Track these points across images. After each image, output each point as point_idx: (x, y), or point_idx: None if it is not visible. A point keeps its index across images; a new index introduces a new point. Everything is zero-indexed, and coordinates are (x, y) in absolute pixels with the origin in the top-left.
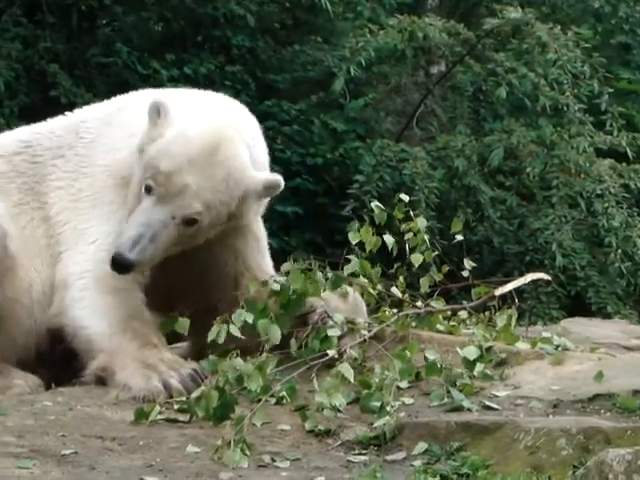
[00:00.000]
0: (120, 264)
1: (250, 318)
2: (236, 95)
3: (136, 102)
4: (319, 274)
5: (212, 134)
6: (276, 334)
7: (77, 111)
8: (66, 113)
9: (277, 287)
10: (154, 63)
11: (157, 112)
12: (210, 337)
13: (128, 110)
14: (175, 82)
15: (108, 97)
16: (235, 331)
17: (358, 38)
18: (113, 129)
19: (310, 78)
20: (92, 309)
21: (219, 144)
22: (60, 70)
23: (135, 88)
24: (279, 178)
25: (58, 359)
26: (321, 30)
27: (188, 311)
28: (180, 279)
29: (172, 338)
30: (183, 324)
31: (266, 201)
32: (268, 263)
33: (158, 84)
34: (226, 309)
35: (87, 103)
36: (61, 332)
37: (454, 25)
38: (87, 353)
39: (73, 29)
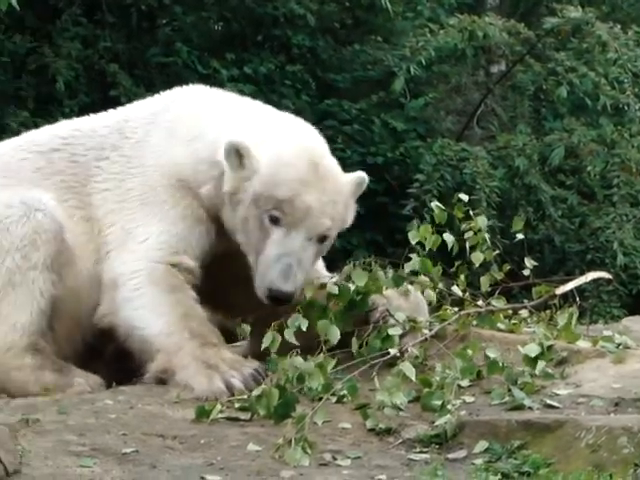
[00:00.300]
0: (279, 298)
1: (305, 324)
2: (296, 94)
3: (178, 102)
4: (380, 273)
5: (307, 153)
6: (335, 334)
7: (118, 109)
8: (108, 110)
9: (335, 290)
10: (214, 62)
11: (236, 153)
12: (264, 344)
13: (171, 111)
14: (235, 82)
15: None
16: (290, 336)
17: (418, 37)
18: (160, 130)
19: (370, 77)
20: (147, 309)
21: (317, 160)
22: (120, 70)
23: None
24: (364, 174)
25: (109, 358)
26: (381, 29)
27: (247, 315)
28: (229, 286)
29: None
30: (245, 331)
31: None
32: (321, 265)
33: (218, 83)
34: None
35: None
36: (112, 332)
37: (514, 24)
38: (143, 353)
39: (133, 29)
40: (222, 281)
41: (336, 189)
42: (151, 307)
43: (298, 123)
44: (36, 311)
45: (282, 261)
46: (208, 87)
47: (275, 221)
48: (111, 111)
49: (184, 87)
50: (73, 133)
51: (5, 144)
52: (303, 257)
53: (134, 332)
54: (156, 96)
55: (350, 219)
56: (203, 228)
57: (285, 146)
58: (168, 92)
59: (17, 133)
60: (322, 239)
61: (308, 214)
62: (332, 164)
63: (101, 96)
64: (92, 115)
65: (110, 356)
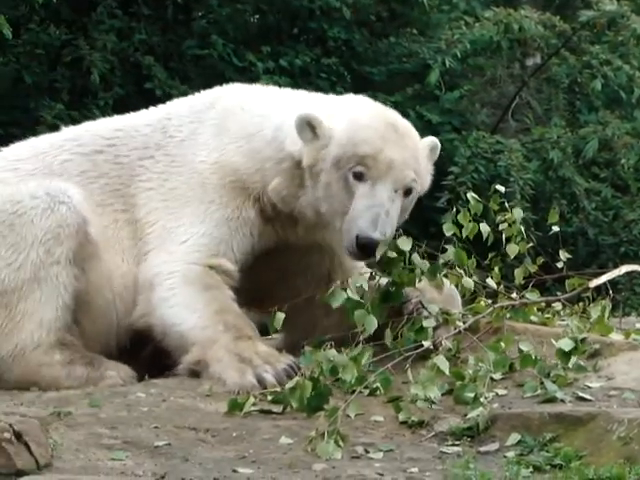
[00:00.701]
0: (367, 245)
1: (365, 284)
2: (332, 87)
3: (223, 99)
4: (417, 258)
5: (382, 115)
6: (372, 324)
7: (160, 107)
8: (150, 108)
9: (383, 281)
10: (250, 55)
11: (308, 126)
12: (328, 300)
13: (217, 108)
14: (271, 74)
15: (204, 89)
16: (354, 295)
17: (454, 30)
18: (207, 128)
19: (405, 70)
20: (182, 306)
21: (393, 121)
22: (155, 62)
23: (231, 80)
24: (436, 140)
25: (145, 358)
26: (417, 22)
27: (282, 306)
28: (272, 282)
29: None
30: (279, 319)
31: None
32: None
33: (254, 76)
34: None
35: (183, 95)
36: (149, 332)
37: (550, 17)
38: (179, 349)
39: (168, 21)
40: (264, 278)
41: (416, 146)
42: (186, 304)
43: (355, 97)
44: (61, 306)
45: (371, 211)
46: (246, 84)
47: (360, 177)
48: (152, 109)
49: (224, 85)
50: (116, 133)
51: (44, 140)
52: (390, 209)
53: (170, 329)
54: (197, 94)
55: (428, 183)
56: (249, 229)
57: (359, 112)
58: (209, 90)
59: (51, 125)
60: (407, 192)
61: (392, 167)
62: (408, 125)
63: (136, 89)
64: (132, 113)
65: (145, 357)
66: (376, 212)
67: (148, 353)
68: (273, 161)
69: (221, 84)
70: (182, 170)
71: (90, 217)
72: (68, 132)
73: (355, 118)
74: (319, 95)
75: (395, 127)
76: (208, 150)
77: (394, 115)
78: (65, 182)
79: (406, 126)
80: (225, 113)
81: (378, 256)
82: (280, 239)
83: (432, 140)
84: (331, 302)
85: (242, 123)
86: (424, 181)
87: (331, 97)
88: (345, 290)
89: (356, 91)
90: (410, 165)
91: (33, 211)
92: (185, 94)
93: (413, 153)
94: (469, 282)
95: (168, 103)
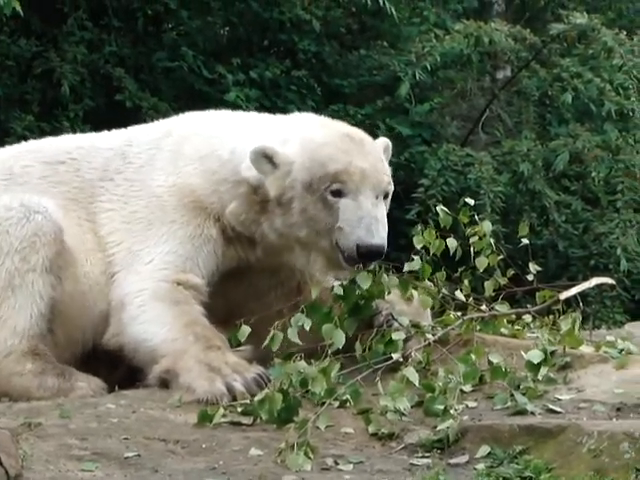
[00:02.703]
0: (371, 251)
1: (308, 323)
2: (302, 99)
3: (179, 126)
4: (385, 277)
5: (333, 129)
6: (340, 338)
7: (121, 132)
8: (112, 130)
9: (341, 291)
10: (220, 67)
11: (264, 157)
12: (266, 342)
13: (173, 136)
14: (241, 86)
15: (174, 101)
16: (293, 336)
17: (424, 43)
18: (164, 154)
19: (376, 82)
20: (152, 321)
21: (346, 131)
22: (125, 74)
23: (201, 92)
24: (386, 139)
25: (118, 379)
26: (387, 35)
27: (251, 318)
28: (243, 300)
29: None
30: (243, 332)
31: None
32: None
33: (224, 88)
34: (289, 314)
35: (152, 107)
36: (121, 352)
37: (520, 30)
38: (151, 363)
39: (139, 33)
40: (235, 297)
41: (375, 150)
42: (156, 319)
43: (301, 115)
44: (36, 314)
45: (363, 221)
46: (201, 112)
47: (339, 194)
48: (113, 132)
49: (180, 114)
50: (78, 150)
51: (7, 151)
52: (378, 214)
53: (141, 345)
54: (155, 122)
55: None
56: (212, 247)
57: (310, 131)
58: (167, 119)
59: (22, 137)
60: (386, 195)
61: (365, 175)
62: (360, 132)
63: (106, 100)
64: (94, 133)
65: (118, 377)
66: (368, 221)
67: (121, 374)
68: (229, 184)
69: (191, 96)
70: (142, 194)
71: (65, 227)
72: (31, 143)
73: (309, 138)
74: (269, 117)
75: (350, 137)
76: (166, 174)
77: (343, 125)
78: (24, 186)
79: (358, 133)
80: (180, 139)
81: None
82: (242, 260)
83: (383, 141)
84: (270, 345)
85: (196, 146)
86: (390, 182)
87: (279, 118)
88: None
89: (327, 104)
90: (380, 169)
91: (8, 222)
92: (155, 106)
93: (377, 157)
94: (427, 300)
95: (129, 128)
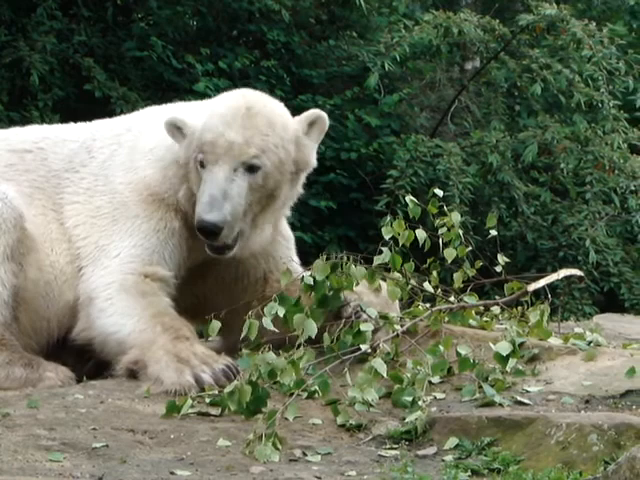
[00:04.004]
0: (206, 228)
1: (282, 311)
2: (271, 90)
3: (139, 122)
4: (353, 268)
5: (241, 100)
6: (312, 328)
7: (86, 125)
8: (74, 124)
9: (311, 282)
10: (189, 57)
11: (175, 128)
12: (243, 332)
13: (132, 131)
14: (210, 77)
15: (143, 91)
16: (268, 324)
17: (393, 33)
18: (124, 150)
19: (345, 73)
20: (120, 313)
21: (252, 104)
22: (95, 64)
23: (170, 82)
24: (319, 112)
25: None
26: (356, 25)
27: (221, 312)
28: (208, 288)
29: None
30: (214, 326)
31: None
32: (296, 260)
33: (193, 78)
34: (257, 304)
35: (122, 97)
36: (90, 346)
37: (489, 21)
38: (119, 355)
39: (108, 23)
40: (202, 290)
41: (270, 124)
42: (124, 311)
43: (241, 90)
44: None
45: (206, 194)
46: (161, 105)
47: (202, 164)
48: (79, 125)
49: (141, 110)
50: (44, 140)
51: None
52: (229, 188)
53: (108, 338)
54: (119, 117)
55: (308, 157)
56: (177, 240)
57: (220, 102)
58: (129, 114)
59: None
60: (251, 169)
61: (230, 148)
62: (275, 105)
63: (75, 90)
64: (59, 124)
65: (87, 372)
66: (210, 194)
67: (90, 368)
68: (175, 167)
69: (160, 86)
70: (105, 189)
71: (25, 211)
72: None
73: (213, 109)
74: (215, 101)
75: (249, 109)
76: (125, 170)
77: (258, 99)
78: None
79: (265, 107)
80: (138, 134)
81: (229, 240)
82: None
83: (312, 113)
84: (248, 334)
85: (149, 139)
86: (287, 156)
87: (222, 99)
88: (259, 319)
89: (296, 94)
90: (253, 143)
91: None
92: (124, 96)
93: (262, 132)
94: (396, 291)
95: (94, 122)
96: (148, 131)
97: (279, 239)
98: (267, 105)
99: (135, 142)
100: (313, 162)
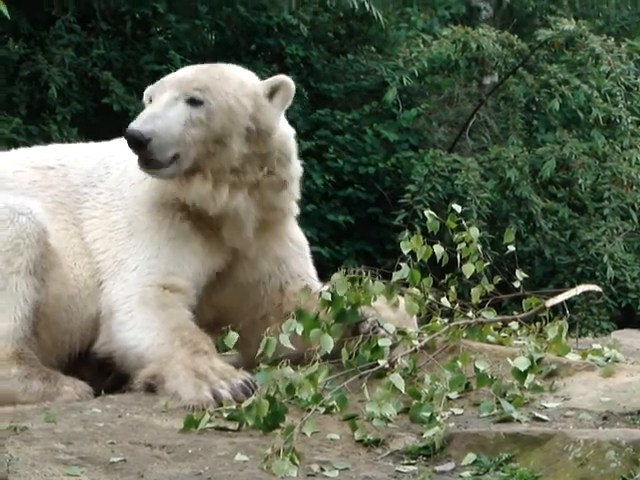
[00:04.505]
0: (130, 136)
1: (300, 328)
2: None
3: None
4: (371, 283)
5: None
6: (329, 343)
7: (108, 143)
8: (100, 142)
9: (329, 297)
10: None
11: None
12: (261, 349)
13: None
14: None
15: None
16: (285, 341)
17: (411, 48)
18: (134, 163)
19: (363, 88)
20: (140, 327)
21: (223, 65)
22: (113, 78)
23: None
24: (284, 76)
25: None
26: (374, 40)
27: (237, 324)
28: (227, 298)
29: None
30: (231, 338)
31: (284, 106)
32: (312, 270)
33: None
34: (275, 319)
35: (140, 111)
36: (110, 359)
37: (508, 36)
38: (139, 369)
39: (127, 36)
40: (223, 302)
41: (224, 75)
42: (143, 325)
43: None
44: (20, 317)
45: (146, 113)
46: None
47: (150, 100)
48: (101, 143)
49: None
50: (66, 157)
51: None
52: (167, 110)
53: (128, 352)
54: None
55: (270, 121)
56: (191, 246)
57: None
58: None
59: (9, 140)
60: (193, 102)
61: (177, 81)
62: (235, 68)
63: (94, 104)
64: (81, 144)
65: (107, 385)
66: (149, 112)
67: (110, 382)
68: None
69: None
70: (120, 204)
71: (48, 227)
72: (22, 150)
73: None
74: None
75: (216, 66)
76: (133, 184)
77: (233, 66)
78: (17, 192)
79: (227, 66)
80: None
81: (159, 157)
82: (223, 251)
83: (275, 78)
84: (265, 351)
85: None
86: (260, 118)
87: None
88: (277, 336)
89: (314, 108)
90: (198, 80)
91: None
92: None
93: (213, 76)
94: (414, 306)
95: (113, 141)
96: None
97: (289, 244)
98: (230, 65)
99: None
100: (277, 127)
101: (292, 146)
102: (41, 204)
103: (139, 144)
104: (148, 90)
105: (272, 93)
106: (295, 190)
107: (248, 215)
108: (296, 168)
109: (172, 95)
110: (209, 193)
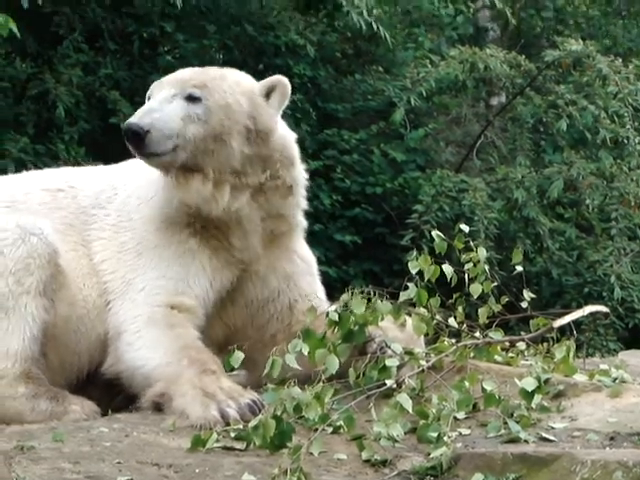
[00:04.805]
0: (130, 129)
1: (306, 349)
2: (296, 124)
3: None
4: (379, 303)
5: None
6: (334, 364)
7: (117, 165)
8: (110, 165)
9: (336, 317)
10: None
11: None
12: (267, 369)
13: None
14: None
15: None
16: (292, 361)
17: (419, 68)
18: (141, 182)
19: (370, 108)
20: (147, 347)
21: (225, 69)
22: (121, 97)
23: None
24: (281, 76)
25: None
26: (382, 60)
27: (245, 343)
28: (237, 316)
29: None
30: (237, 357)
31: (281, 106)
32: (320, 288)
33: None
34: (283, 339)
35: None
36: (118, 380)
37: (515, 56)
38: (146, 389)
39: (134, 56)
40: (233, 321)
41: (222, 74)
42: (151, 345)
43: None
44: (29, 337)
45: (144, 108)
46: None
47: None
48: (112, 165)
49: None
50: (75, 179)
51: (8, 179)
52: (164, 106)
53: (136, 372)
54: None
55: (267, 121)
56: (199, 263)
57: None
58: None
59: (17, 159)
60: (190, 98)
61: (175, 80)
62: (232, 69)
63: (101, 123)
64: (90, 166)
65: (117, 406)
66: (147, 107)
67: (119, 402)
68: None
69: None
70: (128, 226)
71: (59, 247)
72: (32, 172)
73: None
74: None
75: (213, 67)
76: (140, 204)
77: (230, 68)
78: (27, 214)
79: (227, 69)
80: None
81: (158, 149)
82: (232, 264)
83: (272, 78)
84: (271, 372)
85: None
86: (257, 117)
87: None
88: (283, 356)
89: (322, 128)
90: (198, 79)
91: (3, 242)
92: None
93: (210, 75)
94: (422, 327)
95: (122, 163)
96: None
97: (297, 260)
98: (228, 68)
99: (149, 174)
100: (275, 127)
101: (294, 150)
102: (50, 224)
103: (137, 137)
104: (149, 91)
105: (268, 93)
106: (301, 198)
107: (252, 219)
108: (300, 172)
109: (170, 92)
110: (211, 194)
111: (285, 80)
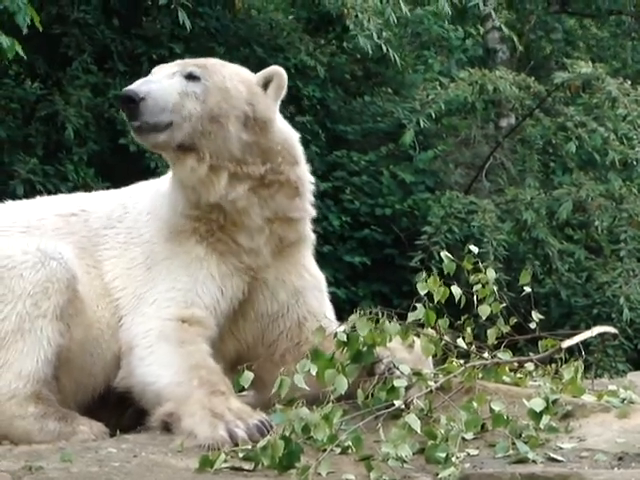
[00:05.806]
0: (125, 94)
1: (315, 369)
2: (305, 145)
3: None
4: (387, 324)
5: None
6: (343, 385)
7: (128, 187)
8: (119, 190)
9: (344, 338)
10: None
11: None
12: (274, 389)
13: (161, 179)
14: None
15: None
16: (300, 381)
17: (428, 90)
18: (151, 197)
19: (380, 129)
20: (159, 363)
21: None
22: None
23: None
24: (277, 67)
25: (127, 422)
26: (391, 82)
27: (255, 362)
28: (248, 330)
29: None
30: (247, 377)
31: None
32: (329, 306)
33: None
34: (292, 359)
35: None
36: (129, 394)
37: (524, 78)
38: (156, 406)
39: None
40: (243, 336)
41: (221, 63)
42: (162, 361)
43: None
44: (42, 360)
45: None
46: None
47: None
48: (124, 188)
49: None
50: (87, 203)
51: (20, 205)
52: (163, 81)
53: (146, 388)
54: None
55: (265, 111)
56: (207, 271)
57: None
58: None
59: (26, 180)
60: (190, 77)
61: (176, 64)
62: (238, 68)
63: (110, 144)
64: (101, 191)
65: (127, 420)
66: (146, 79)
67: (127, 419)
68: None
69: None
70: (137, 241)
71: (77, 272)
72: (46, 198)
73: None
74: None
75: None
76: (149, 219)
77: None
78: (40, 237)
79: (232, 65)
80: (164, 180)
81: (152, 119)
82: (240, 270)
83: (269, 69)
84: (279, 391)
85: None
86: (255, 105)
87: None
88: (291, 376)
89: (331, 150)
90: (199, 62)
91: (23, 265)
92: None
93: (210, 61)
94: (430, 347)
95: (133, 185)
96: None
97: (306, 275)
98: (236, 67)
99: (158, 187)
100: (274, 118)
101: (297, 149)
102: (68, 248)
103: (131, 101)
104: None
105: (266, 84)
106: (308, 203)
107: (254, 214)
108: (305, 173)
109: (171, 70)
110: (206, 175)
111: (282, 70)
